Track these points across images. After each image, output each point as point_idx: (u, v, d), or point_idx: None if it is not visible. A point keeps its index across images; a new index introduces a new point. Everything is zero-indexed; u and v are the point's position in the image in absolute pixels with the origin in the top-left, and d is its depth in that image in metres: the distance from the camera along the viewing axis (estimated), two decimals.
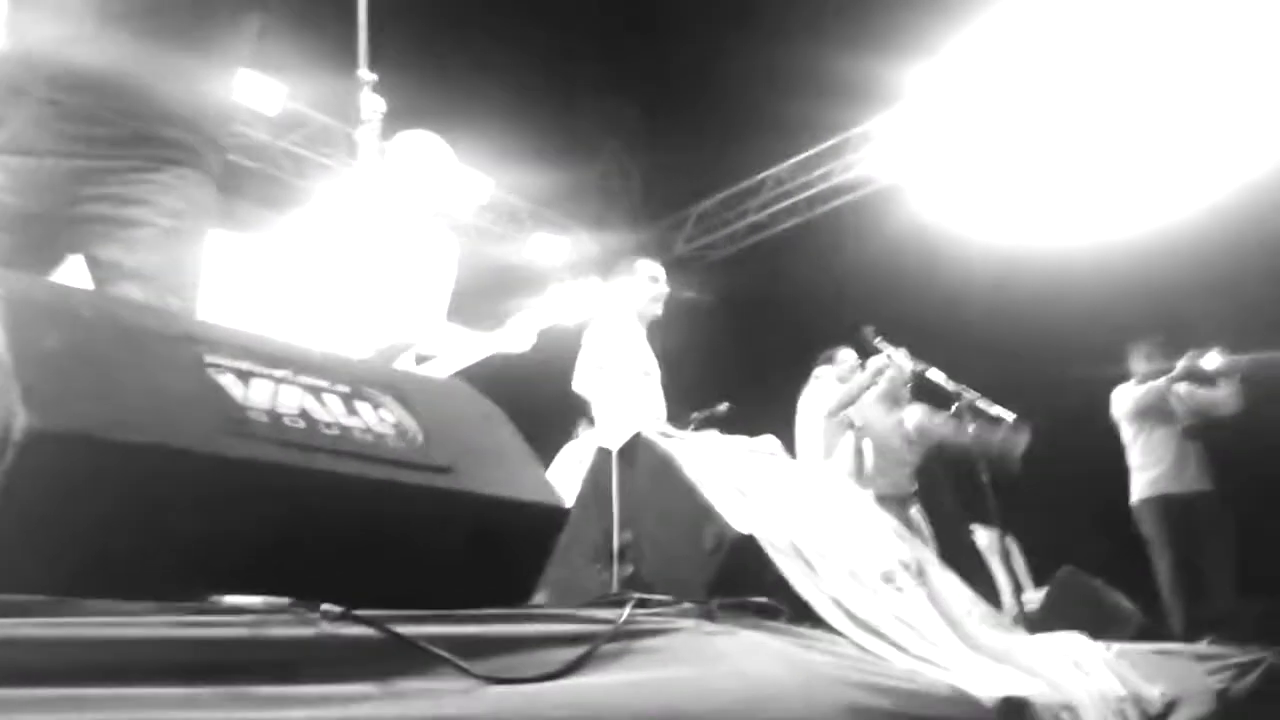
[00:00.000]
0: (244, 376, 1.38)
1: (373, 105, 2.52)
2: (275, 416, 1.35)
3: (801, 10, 6.78)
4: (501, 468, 1.41)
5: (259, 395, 1.36)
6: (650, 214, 8.74)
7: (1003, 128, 6.84)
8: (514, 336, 2.65)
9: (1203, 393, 4.87)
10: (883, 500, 4.01)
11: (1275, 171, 6.10)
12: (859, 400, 4.84)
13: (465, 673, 1.04)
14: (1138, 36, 6.14)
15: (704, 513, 2.12)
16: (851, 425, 4.80)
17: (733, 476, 2.28)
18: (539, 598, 1.77)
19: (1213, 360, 4.79)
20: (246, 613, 1.01)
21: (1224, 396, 4.78)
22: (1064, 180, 6.83)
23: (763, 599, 1.84)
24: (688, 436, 2.62)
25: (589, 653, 1.19)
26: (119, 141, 1.79)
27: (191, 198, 1.85)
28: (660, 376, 3.70)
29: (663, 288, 3.77)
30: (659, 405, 3.58)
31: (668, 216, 8.84)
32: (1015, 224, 6.94)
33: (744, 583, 1.91)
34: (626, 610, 1.40)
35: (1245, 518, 4.69)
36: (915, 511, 4.73)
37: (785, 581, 1.98)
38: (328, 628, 1.02)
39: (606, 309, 3.44)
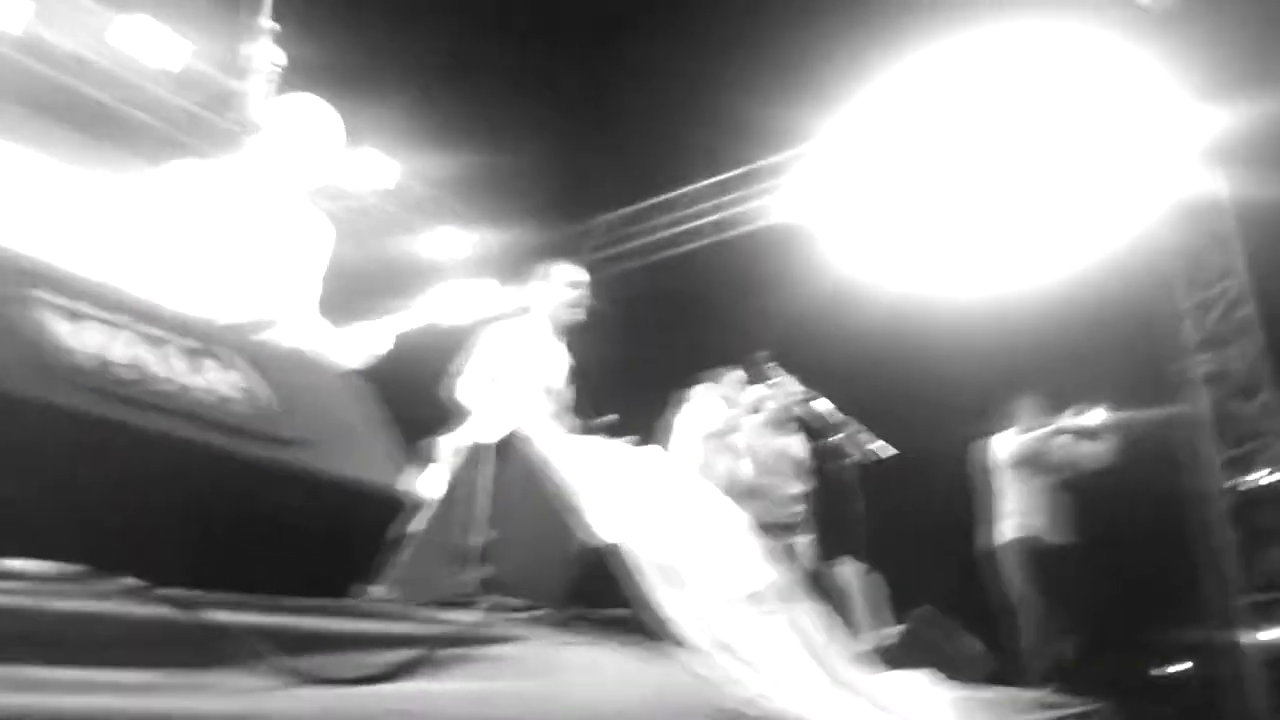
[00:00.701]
0: (74, 317, 1.24)
1: (269, 56, 2.35)
2: (103, 364, 1.21)
3: (728, 46, 6.97)
4: (350, 447, 1.30)
5: (87, 339, 1.22)
6: (560, 217, 8.62)
7: (900, 179, 7.17)
8: (366, 338, 2.30)
9: (1079, 446, 5.00)
10: (762, 526, 3.98)
11: (1132, 245, 6.53)
12: (743, 425, 4.82)
13: (275, 668, 0.93)
14: (1030, 109, 6.54)
15: (572, 518, 2.04)
16: (732, 449, 4.77)
17: (608, 483, 2.20)
18: (385, 591, 1.66)
19: (1096, 416, 4.90)
20: (25, 579, 0.88)
21: (1098, 451, 4.90)
22: (948, 237, 7.17)
23: (623, 611, 1.77)
24: (570, 439, 2.52)
25: (421, 657, 1.09)
26: None
27: None
28: (569, 392, 3.36)
29: (582, 294, 3.45)
30: (551, 422, 3.23)
31: (576, 222, 8.75)
32: (907, 271, 7.20)
33: (606, 593, 1.84)
34: (473, 613, 1.31)
35: (1102, 572, 4.85)
36: (795, 538, 4.72)
37: (648, 595, 1.92)
38: (121, 605, 0.90)
39: (513, 314, 3.13)
